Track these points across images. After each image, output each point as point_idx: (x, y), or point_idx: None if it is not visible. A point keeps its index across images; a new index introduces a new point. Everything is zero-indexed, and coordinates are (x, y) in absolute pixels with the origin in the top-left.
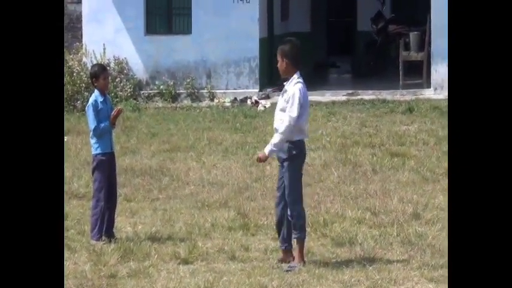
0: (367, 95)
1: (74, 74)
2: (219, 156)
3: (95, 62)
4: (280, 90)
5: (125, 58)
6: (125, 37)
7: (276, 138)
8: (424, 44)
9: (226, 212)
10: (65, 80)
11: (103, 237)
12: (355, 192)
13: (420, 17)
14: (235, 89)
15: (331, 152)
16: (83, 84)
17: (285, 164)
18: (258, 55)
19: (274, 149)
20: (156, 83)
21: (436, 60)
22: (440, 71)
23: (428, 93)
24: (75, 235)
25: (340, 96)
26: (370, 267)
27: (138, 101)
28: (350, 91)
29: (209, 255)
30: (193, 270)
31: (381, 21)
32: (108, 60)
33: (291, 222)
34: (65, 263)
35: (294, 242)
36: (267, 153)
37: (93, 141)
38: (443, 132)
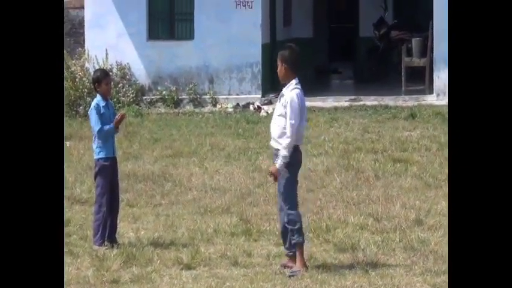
0: (370, 101)
1: (77, 79)
2: (221, 162)
3: (97, 67)
4: None
5: (127, 63)
6: (127, 42)
7: (283, 151)
8: (426, 50)
9: (229, 217)
10: (67, 85)
11: (105, 243)
12: (357, 198)
13: (422, 23)
14: (237, 94)
15: (333, 157)
16: (85, 90)
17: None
18: (260, 61)
19: (285, 161)
20: (159, 88)
21: (438, 66)
22: (442, 77)
23: (430, 99)
24: (77, 240)
25: (342, 102)
26: (373, 273)
27: (140, 106)
28: (352, 97)
29: (211, 261)
30: (196, 275)
31: (383, 27)
32: (110, 65)
33: (288, 228)
34: (67, 268)
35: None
36: (278, 167)
37: (95, 145)
38: (446, 138)
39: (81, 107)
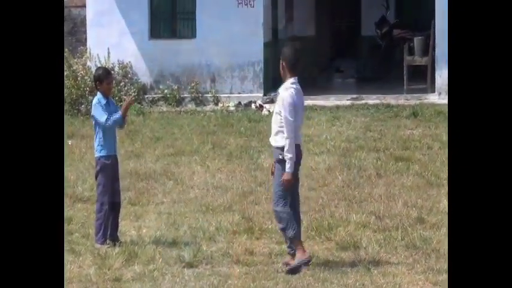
0: (372, 100)
1: (78, 78)
2: (223, 160)
3: (99, 66)
4: None
5: (129, 62)
6: (129, 41)
7: (288, 154)
8: (428, 48)
9: (231, 215)
10: (69, 83)
11: (107, 241)
12: (359, 196)
13: (424, 22)
14: (239, 93)
15: (335, 156)
16: (87, 88)
17: (277, 165)
18: (262, 59)
19: (289, 156)
20: (161, 87)
21: (440, 64)
22: (444, 76)
23: (432, 98)
24: (79, 239)
25: (344, 100)
26: (375, 271)
27: (142, 105)
28: (354, 95)
29: (214, 259)
30: (198, 273)
31: (385, 26)
32: (112, 64)
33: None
34: (69, 267)
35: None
36: (290, 172)
37: (96, 143)
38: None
39: (82, 106)
